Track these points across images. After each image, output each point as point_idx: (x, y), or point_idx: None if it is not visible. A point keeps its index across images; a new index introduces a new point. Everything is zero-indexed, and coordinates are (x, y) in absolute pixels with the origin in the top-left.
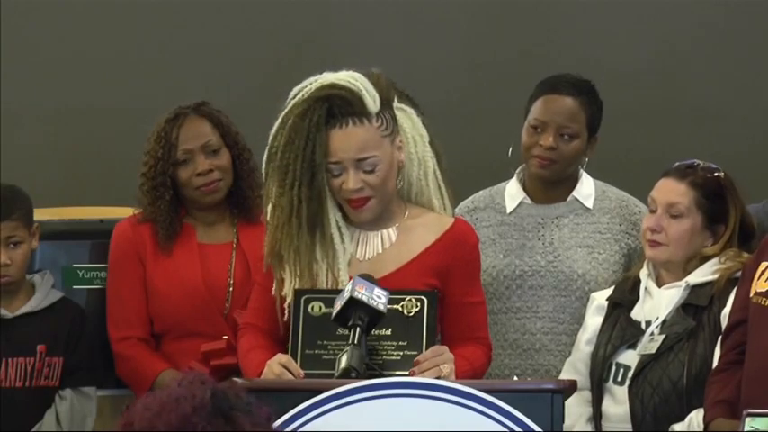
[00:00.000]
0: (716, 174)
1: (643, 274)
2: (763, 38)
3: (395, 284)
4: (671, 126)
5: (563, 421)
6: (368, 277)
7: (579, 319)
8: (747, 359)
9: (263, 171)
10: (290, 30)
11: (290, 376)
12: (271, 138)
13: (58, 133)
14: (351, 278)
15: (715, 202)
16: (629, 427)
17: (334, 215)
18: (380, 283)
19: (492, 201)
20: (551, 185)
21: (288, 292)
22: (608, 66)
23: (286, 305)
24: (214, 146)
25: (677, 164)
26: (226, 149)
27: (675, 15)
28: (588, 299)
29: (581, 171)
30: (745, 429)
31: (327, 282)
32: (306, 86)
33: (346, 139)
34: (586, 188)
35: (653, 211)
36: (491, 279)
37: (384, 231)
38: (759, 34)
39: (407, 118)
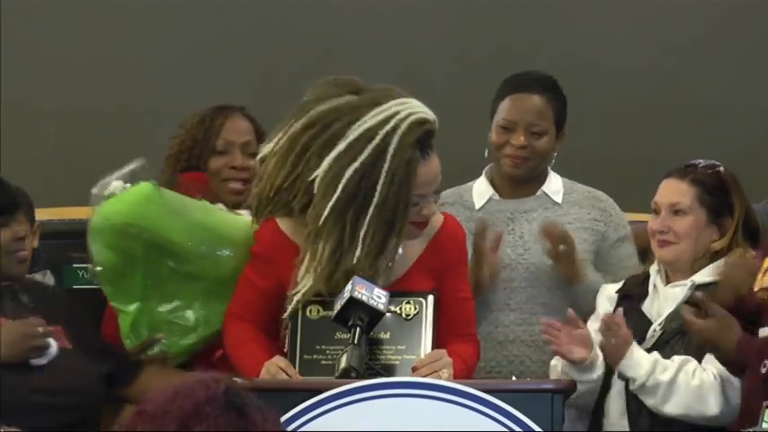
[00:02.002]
0: (716, 169)
1: (652, 270)
2: (763, 38)
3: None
4: (671, 126)
5: (563, 421)
6: (368, 277)
7: (551, 310)
8: None
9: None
10: (288, 32)
11: (284, 376)
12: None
13: (58, 133)
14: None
15: (717, 197)
16: (626, 425)
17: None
18: None
19: (460, 197)
20: (521, 183)
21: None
22: (608, 66)
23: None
24: (253, 148)
25: (677, 165)
26: None
27: (675, 15)
28: (558, 288)
29: (548, 168)
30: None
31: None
32: (386, 114)
33: (430, 172)
34: (555, 184)
35: (657, 214)
36: None
37: None
38: (759, 34)
39: None
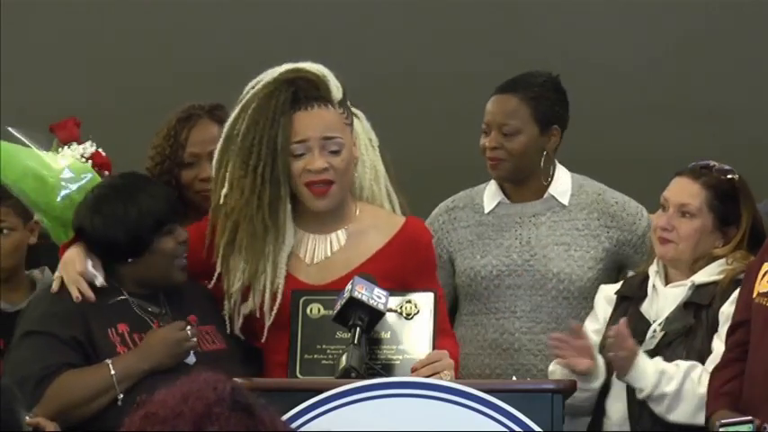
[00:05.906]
0: (729, 176)
1: (652, 270)
2: (763, 37)
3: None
4: (671, 126)
5: (563, 421)
6: (368, 277)
7: (557, 319)
8: (750, 360)
9: (216, 159)
10: (286, 32)
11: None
12: (228, 124)
13: None
14: (289, 283)
15: (727, 205)
16: (627, 427)
17: (287, 205)
18: (330, 287)
19: (471, 201)
20: (521, 183)
21: (234, 282)
22: (608, 66)
23: (242, 306)
24: None
25: (692, 164)
26: None
27: (676, 14)
28: (564, 297)
29: (556, 166)
30: None
31: (266, 275)
32: (268, 74)
33: (312, 119)
34: (563, 184)
35: (665, 210)
36: (469, 280)
37: (332, 235)
38: (760, 33)
39: (359, 122)
